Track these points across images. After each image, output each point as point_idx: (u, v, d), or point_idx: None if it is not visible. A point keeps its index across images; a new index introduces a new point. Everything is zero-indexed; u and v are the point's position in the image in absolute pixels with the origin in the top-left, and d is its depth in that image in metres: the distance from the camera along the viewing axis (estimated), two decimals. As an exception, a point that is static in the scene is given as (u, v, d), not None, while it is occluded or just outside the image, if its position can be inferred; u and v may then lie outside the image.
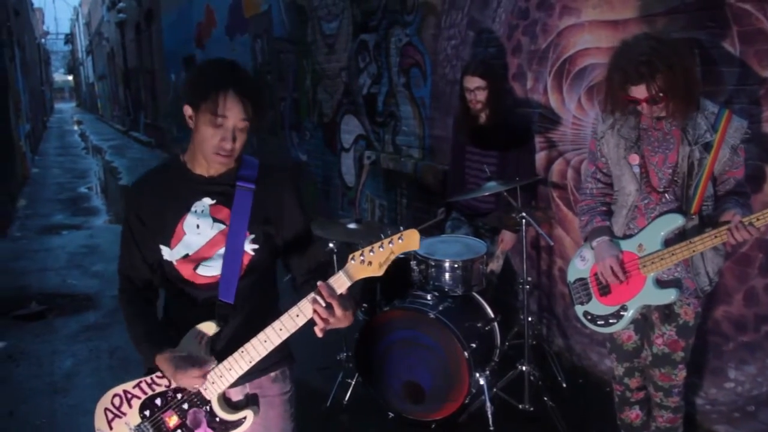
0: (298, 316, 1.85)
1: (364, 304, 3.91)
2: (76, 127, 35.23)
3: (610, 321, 2.72)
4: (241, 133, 1.91)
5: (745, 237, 2.36)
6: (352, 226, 3.93)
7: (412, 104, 5.80)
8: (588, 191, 2.84)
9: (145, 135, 23.15)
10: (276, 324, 1.86)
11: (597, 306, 2.76)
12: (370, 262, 1.77)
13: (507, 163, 3.93)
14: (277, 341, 1.88)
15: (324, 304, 1.80)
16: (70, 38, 65.76)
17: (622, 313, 2.68)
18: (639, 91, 2.40)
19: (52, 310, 5.88)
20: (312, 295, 1.82)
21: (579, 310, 2.85)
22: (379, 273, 1.78)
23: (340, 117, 7.31)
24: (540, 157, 4.23)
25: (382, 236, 1.79)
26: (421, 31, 5.47)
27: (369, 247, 1.77)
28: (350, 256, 1.79)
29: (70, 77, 75.69)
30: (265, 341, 1.88)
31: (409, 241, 1.75)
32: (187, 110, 1.93)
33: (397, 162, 6.09)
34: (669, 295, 2.56)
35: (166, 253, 1.99)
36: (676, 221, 2.51)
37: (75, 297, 6.25)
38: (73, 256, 7.86)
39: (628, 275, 2.63)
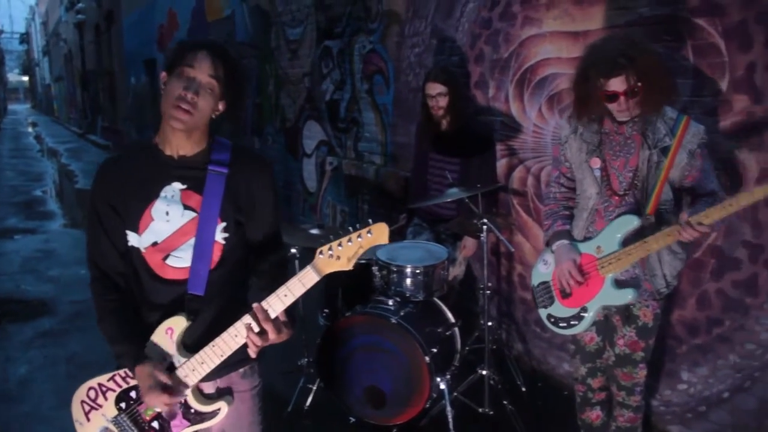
0: (269, 309, 1.84)
1: (326, 310, 3.91)
2: (30, 129, 34.54)
3: (572, 323, 2.78)
4: (207, 92, 1.88)
5: (694, 235, 2.40)
6: (314, 231, 3.95)
7: (374, 111, 5.84)
8: (552, 195, 2.90)
9: (102, 138, 22.80)
10: (246, 318, 1.85)
11: (559, 308, 2.82)
12: (338, 256, 1.76)
13: (469, 170, 3.98)
14: None
15: (257, 330, 1.81)
16: (25, 38, 64.41)
17: (582, 314, 2.73)
18: (617, 84, 2.43)
19: (5, 316, 5.74)
20: (248, 319, 1.83)
21: (543, 313, 2.90)
22: (348, 267, 1.77)
23: (303, 122, 7.31)
24: (501, 164, 4.30)
25: (351, 230, 1.77)
26: (385, 39, 5.51)
27: (337, 242, 1.76)
28: (318, 251, 1.78)
29: (26, 78, 74.22)
30: (236, 335, 1.86)
31: (378, 235, 1.75)
32: (163, 77, 1.92)
33: (359, 168, 6.11)
34: (626, 295, 2.61)
35: (134, 239, 1.94)
36: (632, 222, 2.57)
37: (29, 303, 6.12)
38: (27, 260, 7.69)
39: (587, 277, 2.69)
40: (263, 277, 2.06)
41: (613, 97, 2.47)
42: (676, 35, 3.10)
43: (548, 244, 2.86)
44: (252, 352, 1.85)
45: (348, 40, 6.12)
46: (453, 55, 4.65)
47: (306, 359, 4.01)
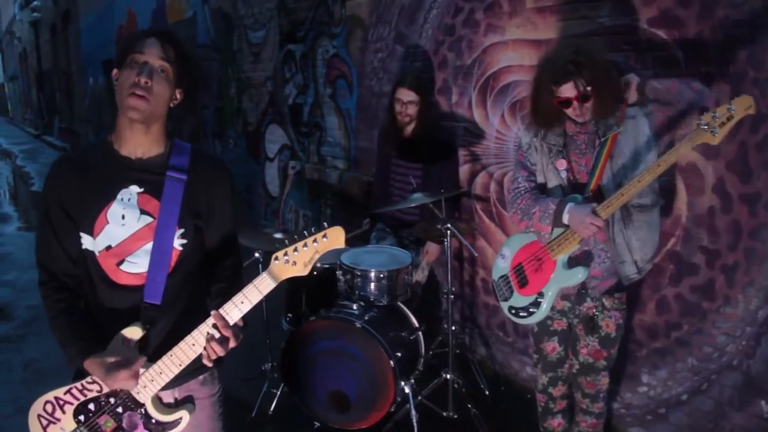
0: (227, 315, 1.83)
1: (290, 314, 3.90)
2: (-17, 130, 33.69)
3: (531, 310, 2.80)
4: (161, 77, 1.85)
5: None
6: (278, 235, 3.94)
7: (337, 115, 5.84)
8: (521, 189, 2.80)
9: (59, 140, 22.35)
10: (203, 327, 1.82)
11: (518, 298, 2.85)
12: (294, 261, 1.75)
13: (431, 176, 4.01)
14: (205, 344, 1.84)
15: (218, 336, 1.80)
16: (-23, 36, 62.89)
17: (539, 300, 2.76)
18: (568, 90, 2.50)
19: (-42, 321, 5.60)
20: (208, 328, 1.81)
21: (504, 306, 2.93)
22: (305, 272, 1.76)
23: (265, 126, 7.28)
24: (464, 170, 4.33)
25: (306, 234, 1.75)
26: (349, 44, 5.52)
27: (292, 246, 1.74)
28: (273, 256, 1.76)
29: (-22, 77, 72.35)
30: (194, 344, 1.83)
31: (334, 239, 1.74)
32: (115, 74, 1.90)
33: (322, 172, 6.11)
34: (577, 274, 2.63)
35: (88, 242, 1.88)
36: (573, 201, 2.60)
37: (-16, 307, 5.98)
38: (-19, 264, 7.51)
39: (540, 263, 2.74)
40: (220, 283, 2.04)
41: (566, 103, 2.54)
42: (636, 45, 3.16)
43: (555, 221, 2.65)
44: (207, 362, 1.83)
45: (311, 44, 6.11)
46: (416, 60, 4.67)
47: (270, 364, 4.00)
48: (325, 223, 1.76)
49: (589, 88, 2.48)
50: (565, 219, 2.59)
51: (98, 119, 15.78)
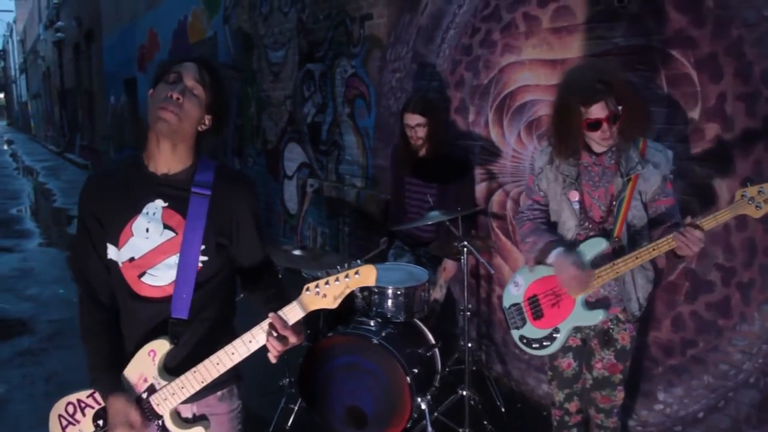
0: (250, 342, 1.86)
1: (307, 330, 3.94)
2: (6, 147, 34.17)
3: (544, 344, 2.83)
4: (194, 97, 1.90)
5: (694, 239, 2.42)
6: (297, 252, 3.98)
7: (355, 134, 5.91)
8: (526, 218, 2.91)
9: (80, 157, 22.66)
10: (228, 348, 1.87)
11: (531, 330, 2.87)
12: (324, 294, 1.79)
13: (448, 194, 4.04)
14: (229, 365, 1.88)
15: (276, 335, 1.83)
16: (2, 55, 63.99)
17: (554, 335, 2.79)
18: (598, 110, 2.48)
19: (-18, 334, 5.70)
20: (265, 326, 1.84)
21: (515, 334, 2.95)
22: (333, 306, 1.80)
23: (284, 144, 7.37)
24: (480, 188, 4.38)
25: (339, 269, 1.79)
26: (367, 63, 5.60)
27: (324, 280, 1.79)
28: (305, 287, 1.80)
29: (1, 95, 73.54)
30: (218, 364, 1.88)
31: (365, 277, 1.77)
32: (150, 93, 1.95)
33: (340, 190, 6.17)
34: (597, 316, 2.67)
35: (113, 252, 1.94)
36: (600, 245, 2.63)
37: (7, 322, 6.07)
38: (5, 279, 7.62)
39: (558, 299, 2.75)
40: (264, 292, 2.09)
41: (596, 124, 2.50)
42: (650, 65, 3.21)
43: (539, 257, 2.78)
44: (273, 357, 1.85)
45: (330, 64, 6.20)
46: (433, 80, 4.74)
47: (287, 379, 4.03)
48: (359, 261, 1.82)
49: (619, 107, 2.48)
50: (550, 260, 2.69)
51: (119, 137, 16.00)
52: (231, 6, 8.45)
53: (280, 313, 1.83)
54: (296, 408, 3.87)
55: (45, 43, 30.54)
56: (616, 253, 2.64)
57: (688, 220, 2.50)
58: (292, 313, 1.82)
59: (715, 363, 3.09)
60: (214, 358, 1.89)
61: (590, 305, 2.71)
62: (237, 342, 1.87)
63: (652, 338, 3.34)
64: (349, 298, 3.84)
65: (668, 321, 3.27)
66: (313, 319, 3.92)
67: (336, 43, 6.07)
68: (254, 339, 1.86)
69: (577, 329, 2.83)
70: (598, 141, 2.58)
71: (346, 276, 1.77)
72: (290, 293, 1.92)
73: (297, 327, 1.86)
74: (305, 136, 6.85)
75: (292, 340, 1.85)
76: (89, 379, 1.98)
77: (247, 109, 8.18)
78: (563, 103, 2.58)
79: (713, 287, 3.07)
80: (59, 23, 24.29)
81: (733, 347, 3.01)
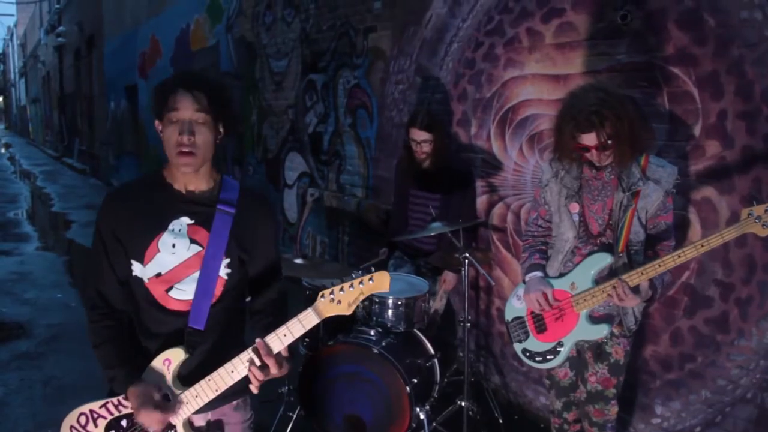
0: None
1: (307, 339, 3.95)
2: (4, 150, 34.15)
3: (548, 357, 2.86)
4: (201, 126, 1.92)
5: (621, 298, 2.58)
6: (298, 261, 4.01)
7: (357, 144, 5.94)
8: (530, 233, 3.01)
9: (79, 162, 22.66)
10: (243, 355, 1.90)
11: (535, 343, 2.90)
12: (339, 300, 1.82)
13: (451, 205, 4.08)
14: (244, 372, 1.91)
15: (259, 364, 1.87)
16: (2, 58, 63.98)
17: (558, 349, 2.82)
18: (589, 139, 2.54)
19: (-20, 337, 5.70)
20: (248, 356, 1.89)
21: (518, 347, 2.98)
22: (348, 312, 1.83)
23: (285, 154, 7.40)
24: (481, 200, 4.41)
25: (353, 276, 1.83)
26: (370, 74, 5.64)
27: (339, 287, 1.82)
28: (320, 294, 1.84)
29: (0, 98, 73.44)
30: (232, 371, 1.91)
31: (379, 283, 1.80)
32: (157, 126, 1.99)
33: (341, 200, 6.20)
34: (602, 331, 2.71)
35: (138, 269, 1.98)
36: (605, 260, 2.67)
37: (5, 325, 6.07)
38: (2, 283, 7.61)
39: (562, 312, 2.78)
40: (264, 315, 2.13)
41: (585, 149, 2.59)
42: (653, 82, 3.25)
43: (524, 273, 2.95)
44: (254, 388, 1.91)
45: (333, 74, 6.24)
46: (436, 93, 4.77)
47: (286, 387, 4.04)
48: (373, 268, 1.85)
49: (609, 141, 2.53)
50: (526, 278, 2.88)
51: (119, 143, 16.02)
52: (234, 15, 8.51)
53: (296, 319, 1.86)
54: (294, 416, 3.88)
55: (46, 47, 30.55)
56: (615, 270, 2.68)
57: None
58: (307, 319, 1.86)
59: (713, 378, 3.12)
60: (228, 365, 1.92)
61: (594, 320, 2.75)
62: (251, 350, 1.90)
63: (650, 352, 3.37)
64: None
65: (666, 335, 3.30)
66: (313, 327, 3.93)
67: (339, 54, 6.12)
68: (270, 345, 1.89)
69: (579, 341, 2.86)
70: (589, 159, 2.65)
71: (360, 282, 1.81)
72: (289, 315, 1.94)
73: (279, 358, 1.90)
74: (306, 145, 6.89)
75: (273, 371, 1.89)
76: (106, 378, 2.00)
77: (249, 117, 8.22)
78: (560, 123, 2.65)
79: (712, 303, 3.10)
80: (61, 28, 24.31)
81: (731, 362, 3.04)
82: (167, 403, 1.93)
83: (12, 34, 55.72)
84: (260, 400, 4.07)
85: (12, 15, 54.54)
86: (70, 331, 5.84)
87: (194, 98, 1.91)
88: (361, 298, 1.82)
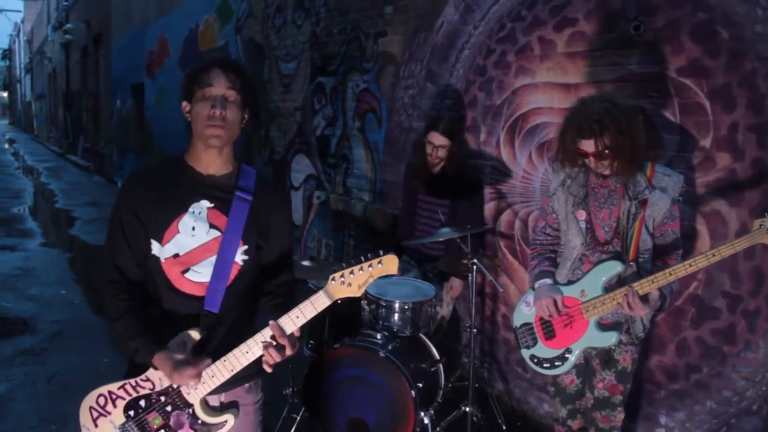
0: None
1: (311, 341, 3.97)
2: (8, 146, 34.20)
3: (556, 363, 2.87)
4: (232, 104, 2.01)
5: (631, 306, 2.60)
6: (305, 263, 4.03)
7: (365, 148, 5.96)
8: (538, 242, 3.03)
9: (83, 159, 22.70)
10: (258, 336, 1.95)
11: (543, 349, 2.91)
12: (350, 283, 1.87)
13: (459, 211, 4.09)
14: (258, 353, 1.95)
15: (275, 344, 1.92)
16: (8, 54, 64.13)
17: (566, 355, 2.83)
18: (588, 145, 2.59)
19: (-16, 332, 5.72)
20: (263, 337, 1.94)
21: (525, 353, 2.99)
22: (358, 294, 1.88)
23: (292, 156, 7.43)
24: (489, 207, 4.42)
25: (363, 259, 1.88)
26: (379, 79, 5.66)
27: (349, 269, 1.87)
28: (331, 277, 1.89)
29: (5, 94, 73.63)
30: (247, 352, 1.96)
31: (388, 266, 1.86)
32: (185, 107, 2.06)
33: (347, 203, 6.22)
34: (611, 338, 2.73)
35: (156, 248, 2.02)
36: (615, 268, 2.69)
37: (9, 320, 6.08)
38: (6, 278, 7.61)
39: (571, 319, 2.80)
40: (278, 298, 2.18)
41: (584, 154, 2.63)
42: (664, 92, 3.26)
43: (533, 281, 2.97)
44: (267, 367, 1.95)
45: (342, 78, 6.26)
46: (446, 98, 4.79)
47: (291, 389, 4.05)
48: (381, 251, 1.88)
49: (606, 151, 2.57)
50: (535, 285, 2.90)
51: (124, 140, 16.05)
52: (244, 17, 8.54)
53: (308, 301, 1.91)
54: (298, 418, 3.89)
55: (52, 44, 30.63)
56: (624, 278, 2.69)
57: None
58: (319, 301, 1.90)
59: (719, 389, 3.13)
60: (243, 346, 1.97)
61: (604, 327, 2.76)
62: (265, 330, 1.95)
63: (656, 362, 3.38)
64: (356, 311, 3.88)
65: (673, 345, 3.31)
66: (317, 329, 3.96)
67: (349, 58, 6.14)
68: (284, 326, 1.94)
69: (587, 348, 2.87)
70: (590, 167, 2.69)
71: (370, 265, 1.86)
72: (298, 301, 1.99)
73: (292, 339, 1.95)
74: (314, 148, 6.90)
75: (288, 351, 1.94)
76: (128, 351, 2.02)
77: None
78: (564, 126, 2.70)
79: (719, 314, 3.11)
80: (68, 25, 24.39)
81: (737, 374, 3.05)
82: (195, 357, 1.96)
83: (19, 30, 55.88)
84: (264, 402, 4.15)
85: (19, 11, 54.69)
86: (73, 328, 5.86)
87: (227, 77, 2.02)
88: (371, 281, 1.87)
